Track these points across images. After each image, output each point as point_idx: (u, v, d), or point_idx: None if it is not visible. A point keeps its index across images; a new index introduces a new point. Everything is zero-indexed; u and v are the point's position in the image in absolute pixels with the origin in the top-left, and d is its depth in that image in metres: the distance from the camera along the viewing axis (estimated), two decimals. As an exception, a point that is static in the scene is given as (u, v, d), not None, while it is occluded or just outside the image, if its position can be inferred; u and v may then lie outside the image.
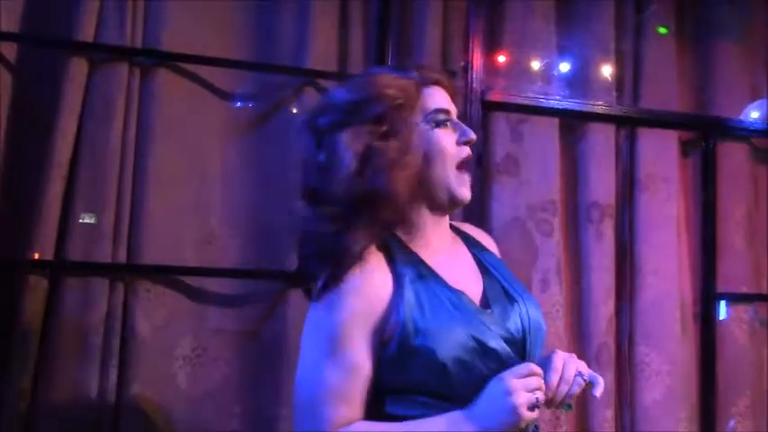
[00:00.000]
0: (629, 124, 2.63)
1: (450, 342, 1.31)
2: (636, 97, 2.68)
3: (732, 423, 2.62)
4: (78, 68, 2.09)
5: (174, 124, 2.20)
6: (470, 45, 2.43)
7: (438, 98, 1.43)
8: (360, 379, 1.31)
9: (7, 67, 2.08)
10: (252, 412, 2.17)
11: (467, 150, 1.42)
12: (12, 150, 2.05)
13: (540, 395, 1.31)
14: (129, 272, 2.10)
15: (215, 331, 2.17)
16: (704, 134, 2.69)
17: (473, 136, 1.43)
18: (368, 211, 1.32)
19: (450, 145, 1.41)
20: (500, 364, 1.34)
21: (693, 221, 2.71)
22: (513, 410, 1.29)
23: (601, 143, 2.58)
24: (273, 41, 2.35)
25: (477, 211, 2.35)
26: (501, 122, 2.50)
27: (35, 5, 2.12)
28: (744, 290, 2.70)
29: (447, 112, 1.42)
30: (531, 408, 1.30)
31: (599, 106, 2.58)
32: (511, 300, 1.44)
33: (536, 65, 2.58)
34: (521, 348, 1.39)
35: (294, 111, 2.35)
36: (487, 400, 1.31)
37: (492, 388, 1.31)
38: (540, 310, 1.49)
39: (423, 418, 1.31)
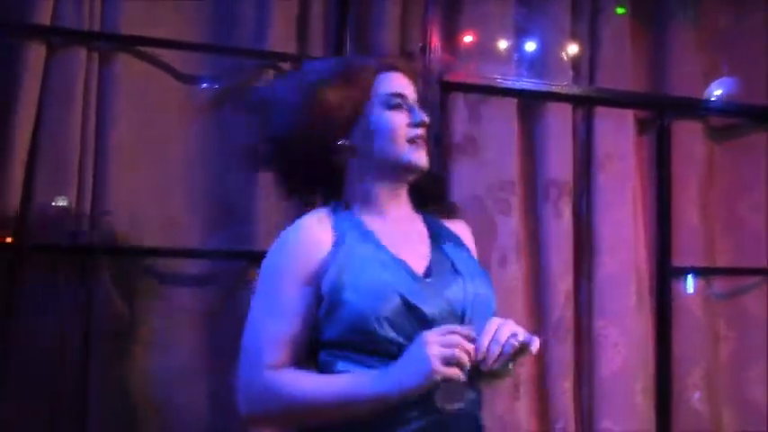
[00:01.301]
0: (585, 104, 2.69)
1: (378, 300, 1.38)
2: (592, 77, 2.73)
3: (697, 395, 2.70)
4: (36, 53, 2.10)
5: (134, 108, 2.22)
6: (428, 26, 2.46)
7: (393, 83, 1.54)
8: (292, 327, 1.41)
9: (-38, 53, 2.08)
10: (218, 392, 2.19)
11: (418, 131, 1.52)
12: (-30, 136, 2.06)
13: (457, 352, 1.32)
14: (92, 254, 2.12)
15: (179, 311, 2.20)
16: (659, 113, 2.75)
17: (425, 118, 1.53)
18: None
19: (401, 125, 1.51)
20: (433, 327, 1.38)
21: (649, 198, 2.77)
22: (426, 360, 1.30)
23: (558, 123, 2.63)
24: (233, 24, 2.37)
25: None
26: (460, 103, 2.55)
27: (-10, -12, 2.13)
28: (699, 264, 2.77)
29: (400, 95, 1.53)
30: (447, 363, 1.31)
31: (556, 86, 2.62)
32: (455, 274, 1.49)
33: (494, 46, 2.62)
34: (459, 320, 1.43)
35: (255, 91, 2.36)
36: (404, 356, 1.35)
37: (411, 345, 1.36)
38: (492, 290, 1.53)
39: (346, 373, 1.39)
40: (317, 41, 2.44)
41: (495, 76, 2.56)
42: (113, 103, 2.19)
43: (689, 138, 2.82)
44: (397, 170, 1.53)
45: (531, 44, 2.68)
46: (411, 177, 1.56)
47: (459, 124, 2.54)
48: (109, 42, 2.20)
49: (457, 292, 1.46)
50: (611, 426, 2.53)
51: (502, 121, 2.57)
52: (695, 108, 2.81)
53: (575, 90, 2.65)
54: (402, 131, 1.51)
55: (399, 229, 1.52)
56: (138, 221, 2.19)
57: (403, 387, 1.33)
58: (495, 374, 1.42)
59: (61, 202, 2.10)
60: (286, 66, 2.36)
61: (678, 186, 2.76)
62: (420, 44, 2.49)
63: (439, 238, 1.58)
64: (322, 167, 1.55)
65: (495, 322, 1.41)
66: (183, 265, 2.23)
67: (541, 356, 2.52)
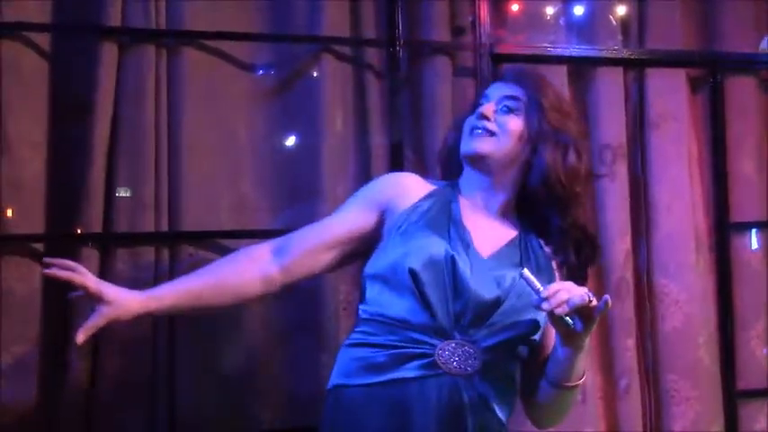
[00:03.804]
0: (636, 66, 2.71)
1: (425, 248, 1.60)
2: (642, 38, 2.75)
3: (765, 351, 2.74)
4: (109, 53, 2.23)
5: (201, 98, 2.33)
6: (477, 0, 2.52)
7: (491, 88, 1.84)
8: (319, 230, 1.81)
9: (43, 56, 2.22)
10: (293, 361, 2.33)
11: (475, 121, 1.77)
12: (55, 134, 2.20)
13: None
14: (172, 239, 2.26)
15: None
16: (712, 70, 2.76)
17: (485, 110, 1.75)
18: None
19: (471, 119, 1.79)
20: (465, 293, 1.58)
21: (705, 156, 2.80)
22: None
23: (610, 86, 2.67)
24: (288, 11, 2.47)
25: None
26: (512, 74, 2.60)
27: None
28: (757, 218, 2.79)
29: (486, 96, 1.81)
30: None
31: (606, 50, 2.66)
32: (514, 269, 1.64)
33: (542, 14, 2.67)
34: (495, 306, 1.59)
35: (315, 75, 2.46)
36: None
37: None
38: (538, 323, 1.67)
39: None
40: (369, 22, 2.53)
41: (545, 45, 2.61)
42: (183, 96, 2.31)
43: (743, 93, 2.82)
44: (465, 161, 1.79)
45: (578, 9, 2.71)
46: (473, 166, 1.76)
47: (512, 94, 2.59)
48: (174, 38, 2.32)
49: (504, 284, 1.61)
50: (676, 380, 2.59)
51: (554, 89, 2.62)
52: (748, 63, 2.81)
53: (625, 53, 2.68)
54: (467, 126, 1.76)
55: (477, 223, 1.69)
56: (213, 206, 2.32)
57: None
58: (554, 320, 1.52)
59: (141, 191, 2.24)
60: (341, 49, 2.46)
61: (734, 142, 2.78)
62: (470, 18, 2.55)
63: (527, 251, 1.71)
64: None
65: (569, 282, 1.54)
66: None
67: (604, 315, 2.55)
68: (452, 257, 1.59)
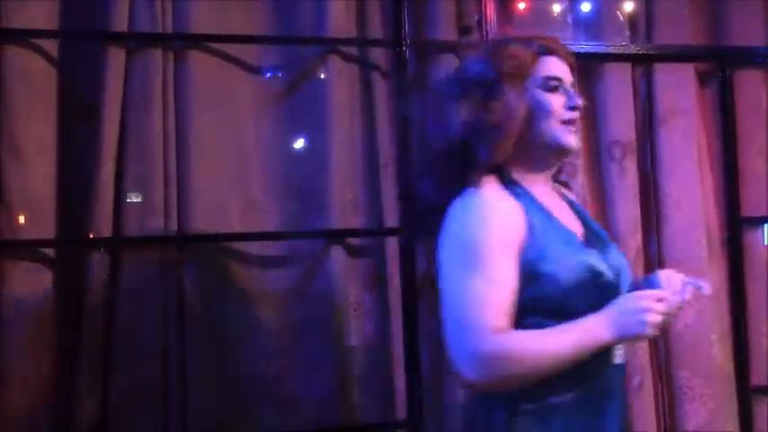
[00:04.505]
0: (644, 61, 2.70)
1: (573, 271, 1.47)
2: (650, 34, 2.74)
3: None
4: (116, 57, 2.24)
5: (209, 102, 2.34)
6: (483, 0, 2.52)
7: (551, 66, 1.61)
8: (507, 292, 1.43)
9: (51, 62, 2.22)
10: (304, 363, 2.33)
11: (573, 114, 1.60)
12: (64, 139, 2.21)
13: (661, 318, 1.43)
14: (181, 242, 2.27)
15: (263, 291, 2.33)
16: (720, 64, 2.74)
17: (580, 102, 1.61)
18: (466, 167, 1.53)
19: (557, 106, 1.58)
20: (609, 293, 1.48)
21: (715, 150, 2.78)
22: (644, 326, 1.41)
23: (618, 82, 2.66)
24: (294, 13, 2.47)
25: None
26: (519, 71, 2.59)
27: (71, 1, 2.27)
28: (768, 213, 2.77)
29: (558, 79, 1.61)
30: (655, 327, 1.43)
31: (613, 46, 2.65)
32: (604, 243, 1.60)
33: (548, 11, 2.66)
34: (619, 286, 1.54)
35: (322, 76, 2.46)
36: (622, 313, 1.43)
37: (626, 303, 1.45)
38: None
39: (562, 325, 1.44)
40: (376, 22, 2.53)
41: (552, 43, 2.59)
42: (190, 99, 2.32)
43: (752, 87, 2.81)
44: (551, 150, 1.59)
45: (585, 5, 2.70)
46: (562, 157, 1.65)
47: (520, 92, 2.59)
48: (181, 41, 2.33)
49: (614, 259, 1.56)
50: (689, 377, 2.58)
51: (562, 86, 2.61)
52: (757, 56, 2.79)
53: (632, 49, 2.67)
54: (558, 113, 1.57)
55: (554, 204, 1.60)
56: (222, 208, 2.32)
57: (615, 339, 1.43)
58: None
59: (150, 195, 2.24)
60: (348, 50, 2.46)
61: (744, 136, 2.76)
62: (476, 17, 2.55)
63: (575, 209, 1.67)
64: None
65: (665, 275, 1.53)
66: (264, 248, 2.36)
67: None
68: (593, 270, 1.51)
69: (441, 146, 1.56)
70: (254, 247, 2.35)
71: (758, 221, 2.75)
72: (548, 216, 1.53)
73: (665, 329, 1.46)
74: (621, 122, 2.64)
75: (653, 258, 2.67)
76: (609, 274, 1.50)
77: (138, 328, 2.21)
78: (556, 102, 1.58)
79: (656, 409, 2.59)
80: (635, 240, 2.61)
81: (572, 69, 1.65)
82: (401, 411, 2.35)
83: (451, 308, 1.44)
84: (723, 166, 2.74)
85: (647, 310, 1.41)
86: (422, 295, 2.36)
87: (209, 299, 2.28)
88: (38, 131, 2.18)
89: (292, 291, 2.35)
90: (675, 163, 2.67)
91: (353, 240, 2.43)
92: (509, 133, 1.52)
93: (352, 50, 2.49)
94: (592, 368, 1.46)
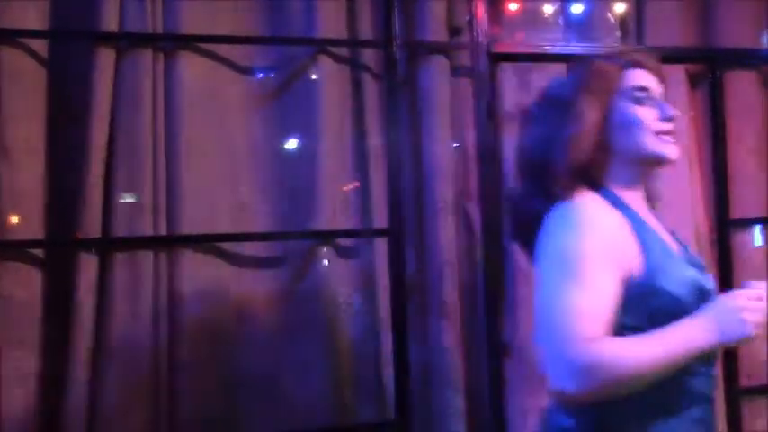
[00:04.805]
0: (634, 63, 2.70)
1: (684, 287, 1.44)
2: (640, 35, 2.75)
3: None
4: (106, 58, 2.24)
5: (199, 102, 2.35)
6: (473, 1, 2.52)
7: (638, 78, 1.60)
8: (607, 303, 1.39)
9: (41, 62, 2.23)
10: (294, 365, 2.34)
11: (667, 126, 1.57)
12: (54, 140, 2.21)
13: (761, 317, 1.41)
14: (171, 243, 2.27)
15: (253, 292, 2.34)
16: (711, 66, 2.75)
17: (673, 113, 1.58)
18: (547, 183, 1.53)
19: (649, 118, 1.56)
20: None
21: (706, 152, 2.79)
22: (745, 325, 1.38)
23: (608, 84, 2.66)
24: (284, 14, 2.47)
25: (490, 160, 2.47)
26: (509, 72, 2.60)
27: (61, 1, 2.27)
28: (759, 214, 2.78)
29: (645, 89, 1.59)
30: (757, 325, 1.40)
31: (604, 48, 2.65)
32: (691, 257, 1.58)
33: (539, 12, 2.67)
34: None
35: (313, 77, 2.47)
36: (719, 314, 1.40)
37: (722, 304, 1.42)
38: None
39: (658, 331, 1.40)
40: (366, 23, 2.53)
41: (542, 43, 2.60)
42: (180, 99, 2.32)
43: (743, 88, 2.81)
44: (646, 162, 1.57)
45: (576, 7, 2.71)
46: (658, 168, 1.63)
47: (510, 93, 2.60)
48: (171, 42, 2.33)
49: (707, 275, 1.55)
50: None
51: (552, 87, 2.62)
52: (747, 58, 2.80)
53: (623, 50, 2.67)
54: (650, 125, 1.55)
55: (650, 218, 1.58)
56: (212, 209, 2.33)
57: (717, 343, 1.40)
58: None
59: (139, 195, 2.25)
60: (338, 51, 2.46)
61: (734, 138, 2.77)
62: (467, 18, 2.55)
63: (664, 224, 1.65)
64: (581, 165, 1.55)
65: (756, 284, 1.48)
66: (254, 248, 2.37)
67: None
68: (700, 286, 1.50)
69: (527, 161, 1.60)
70: (243, 248, 2.36)
71: (747, 223, 2.76)
72: (652, 231, 1.50)
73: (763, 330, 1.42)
74: (611, 124, 2.64)
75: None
76: (710, 289, 1.50)
77: (128, 330, 2.21)
78: (646, 114, 1.56)
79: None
80: (624, 241, 2.61)
81: (662, 81, 1.63)
82: (390, 412, 2.35)
83: (549, 318, 1.40)
84: (712, 168, 2.74)
85: (744, 309, 1.38)
86: (411, 296, 2.37)
87: (199, 300, 2.28)
88: (27, 132, 2.18)
89: (282, 291, 2.36)
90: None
91: (343, 241, 2.43)
92: (581, 138, 1.51)
93: (343, 51, 2.50)
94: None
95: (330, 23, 2.47)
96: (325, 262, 2.39)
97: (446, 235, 2.48)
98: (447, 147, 2.53)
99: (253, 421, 2.30)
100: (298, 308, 2.35)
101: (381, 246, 2.42)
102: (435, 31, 2.55)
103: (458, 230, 2.53)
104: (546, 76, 2.59)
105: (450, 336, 2.44)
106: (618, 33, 2.71)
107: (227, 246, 2.34)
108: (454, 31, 2.58)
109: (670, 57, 2.70)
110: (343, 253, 2.43)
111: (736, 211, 2.74)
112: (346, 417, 2.36)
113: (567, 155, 1.51)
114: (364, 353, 2.40)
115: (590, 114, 1.53)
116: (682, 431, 1.45)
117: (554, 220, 1.47)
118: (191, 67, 2.35)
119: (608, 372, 1.35)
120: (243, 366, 2.31)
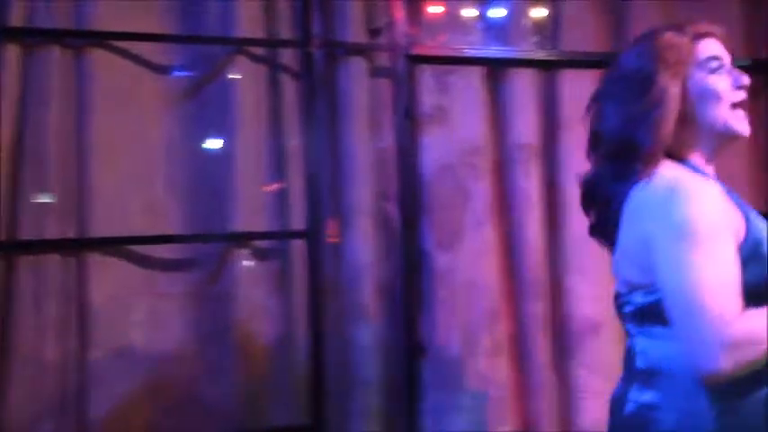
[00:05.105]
0: (550, 67, 2.76)
1: None
2: (556, 40, 2.80)
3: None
4: (12, 54, 2.17)
5: (111, 101, 2.29)
6: (392, 1, 2.53)
7: (711, 48, 1.57)
8: (737, 273, 1.36)
9: (-58, 58, 2.15)
10: (209, 370, 2.31)
11: (742, 94, 1.56)
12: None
13: None
14: (79, 246, 2.22)
15: (166, 296, 2.30)
16: (622, 71, 2.82)
17: (747, 81, 1.56)
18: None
19: (725, 88, 1.55)
20: None
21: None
22: None
23: (524, 87, 2.71)
24: (201, 12, 2.43)
25: (408, 162, 2.49)
26: (427, 74, 2.62)
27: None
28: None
29: (719, 58, 1.57)
30: None
31: (520, 52, 2.70)
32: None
33: (458, 16, 2.70)
34: None
35: (230, 76, 2.44)
36: None
37: None
38: None
39: None
40: (285, 23, 2.51)
41: (461, 47, 2.63)
42: (91, 98, 2.27)
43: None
44: (722, 136, 1.55)
45: (494, 11, 2.74)
46: (732, 144, 1.59)
47: (428, 95, 2.62)
48: (80, 39, 2.26)
49: None
50: (586, 375, 2.66)
51: (469, 90, 2.66)
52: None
53: (539, 54, 2.73)
54: (726, 95, 1.54)
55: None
56: (123, 210, 2.28)
57: None
58: None
59: (47, 197, 2.19)
60: (256, 50, 2.44)
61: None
62: (385, 19, 2.56)
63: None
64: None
65: None
66: (167, 251, 2.33)
67: (519, 314, 2.65)
68: None
69: (610, 142, 1.53)
70: (156, 250, 2.32)
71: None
72: (740, 199, 1.49)
73: None
74: (527, 127, 2.69)
75: (556, 260, 2.73)
76: None
77: (36, 335, 2.15)
78: (722, 84, 1.54)
79: (555, 409, 2.66)
80: (538, 243, 2.67)
81: (727, 48, 1.60)
82: (306, 415, 2.35)
83: (690, 299, 1.34)
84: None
85: None
86: (328, 298, 2.37)
87: (109, 305, 2.23)
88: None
89: (196, 295, 2.33)
90: (578, 168, 2.71)
91: (260, 243, 2.42)
92: (668, 114, 1.49)
93: (262, 51, 2.47)
94: None
95: (248, 23, 2.44)
96: (242, 264, 2.36)
97: (364, 236, 2.49)
98: (365, 148, 2.53)
99: (167, 426, 2.27)
100: (212, 311, 2.32)
101: (299, 248, 2.41)
102: (354, 32, 2.54)
103: (376, 232, 2.53)
104: (462, 79, 2.65)
105: (367, 337, 2.45)
106: (535, 38, 2.76)
107: (139, 249, 2.29)
108: (373, 32, 2.58)
109: (583, 62, 2.77)
110: (259, 255, 2.41)
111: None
112: (261, 421, 2.35)
113: (656, 132, 1.48)
114: (280, 356, 2.39)
115: (673, 88, 1.51)
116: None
117: (659, 196, 1.43)
118: (102, 65, 2.30)
119: (755, 346, 1.33)
120: (156, 371, 2.28)
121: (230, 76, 2.44)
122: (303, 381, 2.36)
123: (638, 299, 1.47)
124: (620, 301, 1.54)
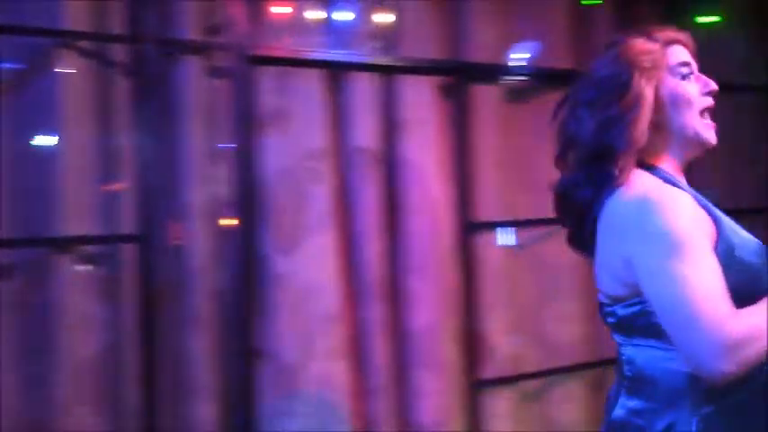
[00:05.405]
0: (388, 72, 2.80)
1: (754, 254, 1.45)
2: (396, 47, 2.84)
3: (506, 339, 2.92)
4: None
5: None
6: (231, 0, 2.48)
7: (680, 54, 1.59)
8: (721, 277, 1.38)
9: None
10: (28, 379, 2.18)
11: (710, 100, 1.57)
12: None
13: None
14: None
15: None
16: (458, 79, 2.91)
17: (715, 87, 1.57)
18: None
19: (694, 94, 1.56)
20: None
21: (453, 160, 2.95)
22: None
23: (364, 92, 2.75)
24: (25, 1, 2.29)
25: (246, 164, 2.46)
26: (267, 76, 2.60)
27: None
28: (500, 218, 2.99)
29: (689, 64, 1.58)
30: None
31: (360, 56, 2.73)
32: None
33: (301, 18, 2.69)
34: None
35: (57, 71, 2.31)
36: None
37: None
38: None
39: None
40: (117, 17, 2.40)
41: (301, 49, 2.62)
42: None
43: (488, 101, 3.01)
44: (691, 143, 1.57)
45: (337, 15, 2.76)
46: (700, 152, 1.59)
47: (267, 97, 2.59)
48: None
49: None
50: (423, 375, 2.73)
51: (309, 93, 2.66)
52: (491, 73, 3.00)
53: (378, 60, 2.76)
54: (696, 101, 1.56)
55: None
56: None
57: None
58: None
59: None
60: (84, 44, 2.32)
61: (479, 146, 2.95)
62: (224, 18, 2.51)
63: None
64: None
65: None
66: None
67: (358, 317, 2.67)
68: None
69: (584, 147, 1.52)
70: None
71: (488, 227, 2.96)
72: (710, 205, 1.50)
73: None
74: (366, 130, 2.74)
75: (395, 262, 2.79)
76: None
77: None
78: (692, 89, 1.57)
79: (393, 409, 2.71)
80: (377, 245, 2.71)
81: (693, 55, 1.62)
82: (136, 427, 2.27)
83: (682, 306, 1.37)
84: (457, 175, 2.90)
85: None
86: (161, 304, 2.30)
87: None
88: None
89: (13, 304, 2.19)
90: (415, 171, 2.80)
91: (87, 247, 2.30)
92: (643, 117, 1.50)
93: (92, 46, 2.36)
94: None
95: (78, 16, 2.33)
96: (68, 270, 2.24)
97: (199, 240, 2.43)
98: (201, 149, 2.48)
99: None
100: (34, 320, 2.19)
101: (130, 253, 2.32)
102: (191, 30, 2.48)
103: (212, 235, 2.48)
104: (303, 81, 2.64)
105: (201, 343, 2.40)
106: (376, 43, 2.79)
107: (-49, 254, 2.13)
108: (211, 30, 2.53)
109: (421, 68, 2.84)
110: (86, 260, 2.30)
111: (483, 216, 2.92)
112: (89, 433, 2.25)
113: (630, 137, 1.49)
114: (107, 367, 2.29)
115: (647, 94, 1.53)
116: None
117: (632, 211, 1.45)
118: None
119: (754, 343, 1.36)
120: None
121: (57, 71, 2.31)
122: (132, 394, 2.27)
123: (620, 311, 1.50)
124: (603, 311, 1.57)
